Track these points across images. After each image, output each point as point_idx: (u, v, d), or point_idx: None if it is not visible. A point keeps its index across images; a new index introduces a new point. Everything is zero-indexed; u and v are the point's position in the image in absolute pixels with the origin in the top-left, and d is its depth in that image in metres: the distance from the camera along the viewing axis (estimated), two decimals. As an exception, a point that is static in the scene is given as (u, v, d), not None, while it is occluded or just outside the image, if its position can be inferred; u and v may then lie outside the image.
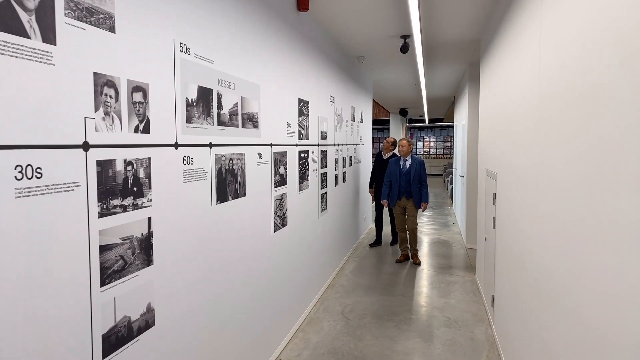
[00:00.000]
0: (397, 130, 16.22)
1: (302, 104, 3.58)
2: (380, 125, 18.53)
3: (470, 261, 5.64)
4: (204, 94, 2.05)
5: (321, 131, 4.23)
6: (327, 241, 4.55)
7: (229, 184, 2.31)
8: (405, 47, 4.56)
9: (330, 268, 4.73)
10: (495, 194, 3.50)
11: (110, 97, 1.45)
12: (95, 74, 1.38)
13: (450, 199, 11.80)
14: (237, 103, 2.38)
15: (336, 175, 4.95)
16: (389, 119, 16.17)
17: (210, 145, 2.11)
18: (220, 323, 2.27)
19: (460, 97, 8.25)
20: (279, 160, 3.08)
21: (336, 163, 4.94)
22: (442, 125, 22.19)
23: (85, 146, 1.34)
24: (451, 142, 22.62)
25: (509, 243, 2.91)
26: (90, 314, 1.37)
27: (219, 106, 2.19)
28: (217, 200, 2.18)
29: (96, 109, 1.38)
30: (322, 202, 4.30)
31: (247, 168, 2.55)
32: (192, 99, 1.94)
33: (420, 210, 5.47)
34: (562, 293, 1.72)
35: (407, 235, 5.58)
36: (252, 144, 2.61)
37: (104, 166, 1.42)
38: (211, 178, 2.12)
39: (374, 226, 6.78)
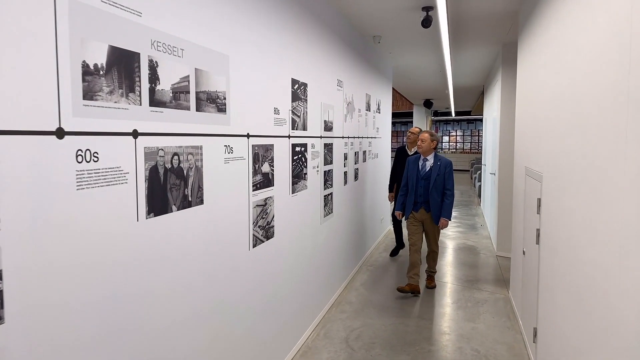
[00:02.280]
0: (421, 124, 15.34)
1: (297, 86, 2.90)
2: (402, 118, 17.67)
3: (503, 273, 4.86)
4: (123, 58, 1.40)
5: (325, 121, 3.54)
6: (332, 251, 3.87)
7: (172, 188, 1.66)
8: (428, 21, 3.82)
9: (337, 281, 4.06)
10: (539, 199, 2.75)
11: None
12: None
13: (478, 198, 10.92)
14: (187, 77, 1.73)
15: (345, 173, 4.26)
16: (412, 112, 15.30)
17: (136, 134, 1.47)
18: (159, 381, 1.64)
19: (491, 85, 7.40)
20: (262, 155, 2.42)
21: (345, 159, 4.25)
22: (470, 118, 21.10)
23: None
24: (479, 136, 21.52)
25: (562, 269, 2.17)
26: None
27: (154, 79, 1.54)
28: (148, 213, 1.54)
29: None
30: (325, 205, 3.62)
31: (207, 166, 1.90)
32: (97, 65, 1.30)
33: (439, 227, 4.15)
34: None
35: (420, 261, 4.23)
36: (216, 134, 1.95)
37: None
38: (136, 181, 1.47)
39: (391, 228, 6.02)
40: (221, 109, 1.99)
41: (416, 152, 4.55)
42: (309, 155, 3.17)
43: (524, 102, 3.61)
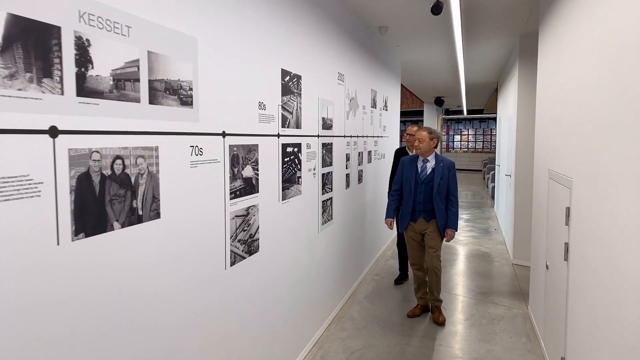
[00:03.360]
0: (432, 122, 14.90)
1: (288, 78, 2.55)
2: (413, 116, 17.21)
3: (520, 284, 4.46)
4: (32, 32, 1.06)
5: (323, 118, 3.19)
6: (332, 261, 3.52)
7: (113, 200, 1.32)
8: (438, 7, 3.44)
9: (338, 295, 3.71)
10: (568, 209, 2.36)
11: None
12: None
13: (491, 199, 10.47)
14: (136, 61, 1.39)
15: (347, 175, 3.90)
16: (422, 110, 14.87)
17: (55, 132, 1.13)
18: None
19: (506, 81, 6.98)
20: (243, 157, 2.07)
21: (348, 160, 3.89)
22: (482, 117, 20.56)
23: None
24: (491, 135, 20.97)
25: (601, 295, 1.79)
26: None
27: (84, 62, 1.20)
28: (76, 234, 1.20)
29: None
30: (324, 212, 3.27)
31: (166, 171, 1.55)
32: (-11, 39, 0.96)
33: (444, 240, 3.50)
34: None
35: (426, 277, 3.65)
36: (178, 132, 1.61)
37: None
38: (55, 193, 1.14)
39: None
40: (186, 101, 1.64)
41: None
42: (303, 157, 2.82)
43: (546, 98, 3.21)
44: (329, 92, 3.31)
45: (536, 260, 3.40)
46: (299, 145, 2.74)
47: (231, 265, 2.00)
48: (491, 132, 21.03)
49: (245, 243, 2.11)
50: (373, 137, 4.91)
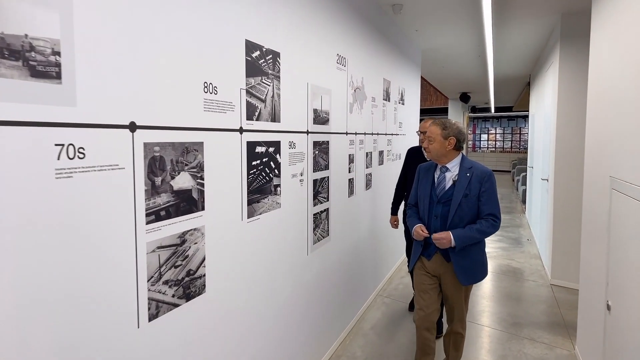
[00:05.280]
0: (457, 120, 13.98)
1: (258, 54, 1.90)
2: (437, 114, 16.29)
3: (561, 312, 3.68)
4: None
5: (315, 110, 2.53)
6: (329, 287, 2.85)
7: None
8: (464, -29, 2.73)
9: (337, 326, 3.03)
10: (652, 236, 1.63)
11: None
12: None
13: (522, 204, 9.57)
14: None
15: (350, 181, 3.22)
16: (447, 107, 13.97)
17: None
18: None
19: (541, 73, 6.14)
20: (173, 161, 1.43)
21: (351, 162, 3.22)
22: (511, 114, 19.42)
23: None
24: (520, 134, 19.82)
25: None
26: None
27: None
28: None
29: None
30: (316, 227, 2.61)
31: (-7, 187, 0.93)
32: None
33: (468, 289, 2.40)
34: None
35: (442, 337, 2.69)
36: (26, 122, 0.98)
37: None
38: None
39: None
40: (45, 72, 1.01)
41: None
42: (283, 159, 2.16)
43: (604, 87, 2.45)
44: (324, 77, 2.64)
45: (589, 292, 2.65)
46: (276, 144, 2.08)
47: (151, 320, 1.36)
48: (520, 131, 19.89)
49: (179, 284, 1.48)
50: (385, 134, 4.20)
